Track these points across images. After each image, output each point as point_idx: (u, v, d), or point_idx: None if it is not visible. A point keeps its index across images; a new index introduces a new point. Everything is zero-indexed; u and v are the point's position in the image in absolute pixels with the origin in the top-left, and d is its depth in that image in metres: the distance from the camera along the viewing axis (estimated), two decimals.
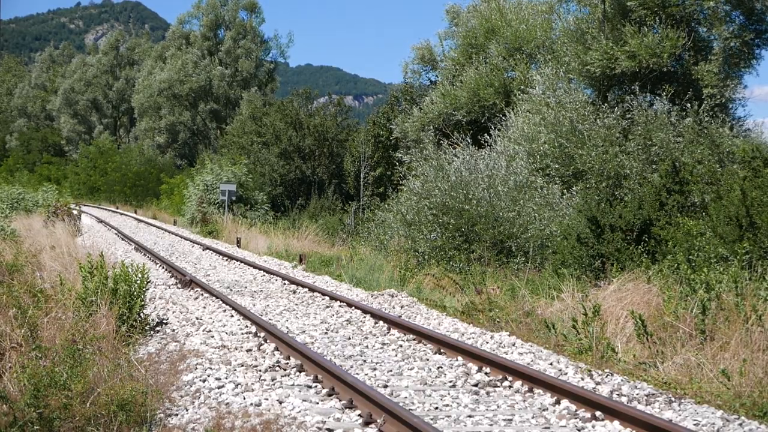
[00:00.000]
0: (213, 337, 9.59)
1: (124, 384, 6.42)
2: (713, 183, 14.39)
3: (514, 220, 17.36)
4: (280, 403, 6.86)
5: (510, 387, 7.69)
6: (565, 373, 8.21)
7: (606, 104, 20.69)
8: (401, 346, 9.50)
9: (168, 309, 11.70)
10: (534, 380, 7.56)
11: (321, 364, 7.71)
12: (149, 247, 22.09)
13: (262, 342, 9.30)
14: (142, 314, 10.16)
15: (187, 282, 14.44)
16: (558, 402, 7.11)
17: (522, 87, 24.91)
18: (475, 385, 7.74)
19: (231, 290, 14.36)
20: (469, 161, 19.38)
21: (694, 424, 6.58)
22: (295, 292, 14.07)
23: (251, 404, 6.77)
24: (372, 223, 22.93)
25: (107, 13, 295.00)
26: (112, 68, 78.46)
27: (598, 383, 7.83)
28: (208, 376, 7.66)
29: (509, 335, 10.03)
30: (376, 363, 8.57)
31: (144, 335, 9.71)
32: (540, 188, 18.48)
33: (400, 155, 29.78)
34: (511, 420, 6.66)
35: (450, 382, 7.87)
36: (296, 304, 12.73)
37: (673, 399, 7.32)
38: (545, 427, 6.51)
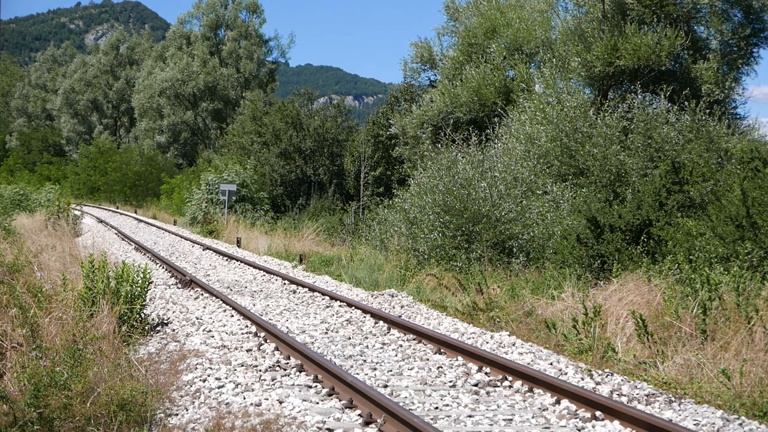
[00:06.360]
0: (213, 337, 9.59)
1: (125, 384, 6.43)
2: (711, 177, 14.39)
3: (517, 220, 17.32)
4: (280, 403, 6.86)
5: (510, 387, 7.69)
6: (565, 373, 8.21)
7: (606, 103, 20.73)
8: (401, 346, 9.50)
9: (168, 309, 11.70)
10: (534, 380, 7.56)
11: (321, 364, 7.71)
12: (149, 247, 22.09)
13: (262, 342, 9.30)
14: (142, 314, 10.17)
15: (187, 282, 14.44)
16: (558, 402, 7.11)
17: (523, 86, 24.93)
18: (475, 385, 7.74)
19: (231, 290, 14.36)
20: (475, 159, 19.27)
21: (694, 424, 6.58)
22: (295, 292, 14.07)
23: (251, 404, 6.77)
24: (374, 222, 22.86)
25: (107, 13, 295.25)
26: (113, 68, 78.45)
27: (598, 383, 7.83)
28: (209, 376, 7.66)
29: (509, 335, 10.02)
30: (376, 363, 8.57)
31: (144, 335, 9.71)
32: (544, 188, 18.40)
33: (399, 152, 29.69)
34: (511, 420, 6.66)
35: (450, 381, 7.87)
36: (296, 304, 12.73)
37: (673, 399, 7.32)
38: (545, 427, 6.51)
